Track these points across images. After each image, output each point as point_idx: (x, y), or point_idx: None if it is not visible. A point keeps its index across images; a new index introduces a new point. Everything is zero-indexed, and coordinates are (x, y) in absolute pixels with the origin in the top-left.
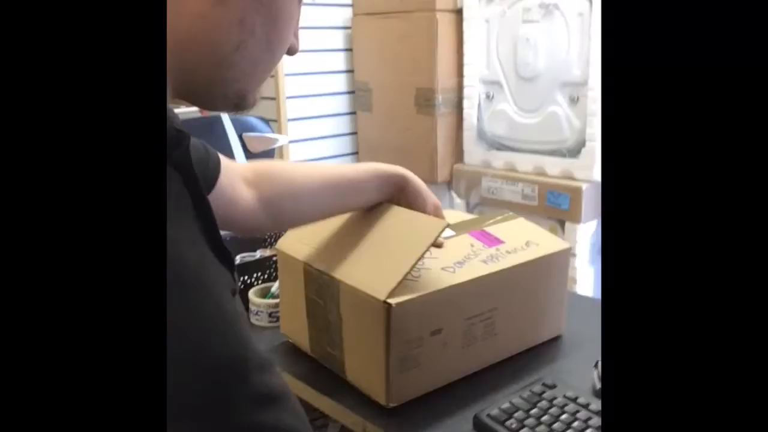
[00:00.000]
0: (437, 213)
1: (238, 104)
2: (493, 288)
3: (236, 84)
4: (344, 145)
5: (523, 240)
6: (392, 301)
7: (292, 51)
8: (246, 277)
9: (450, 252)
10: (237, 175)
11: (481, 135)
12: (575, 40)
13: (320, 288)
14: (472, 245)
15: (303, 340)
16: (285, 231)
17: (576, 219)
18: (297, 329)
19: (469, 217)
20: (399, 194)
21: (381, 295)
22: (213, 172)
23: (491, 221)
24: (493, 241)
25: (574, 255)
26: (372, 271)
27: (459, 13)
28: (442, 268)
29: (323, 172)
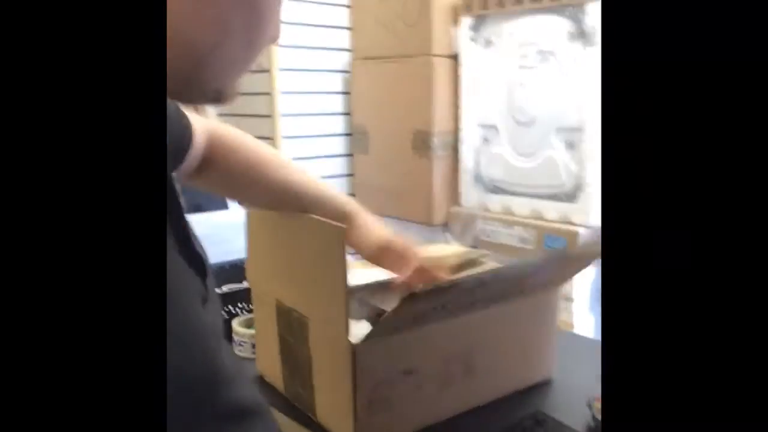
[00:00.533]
0: (384, 253)
1: (216, 99)
2: (475, 326)
3: (213, 82)
4: (341, 186)
5: None
6: (356, 339)
7: (272, 40)
8: (230, 307)
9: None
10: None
11: (478, 178)
12: (571, 85)
13: (290, 325)
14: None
15: (277, 380)
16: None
17: None
18: (271, 367)
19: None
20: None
21: (346, 333)
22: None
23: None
24: None
25: (571, 300)
26: (338, 304)
27: (455, 58)
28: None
29: (290, 176)
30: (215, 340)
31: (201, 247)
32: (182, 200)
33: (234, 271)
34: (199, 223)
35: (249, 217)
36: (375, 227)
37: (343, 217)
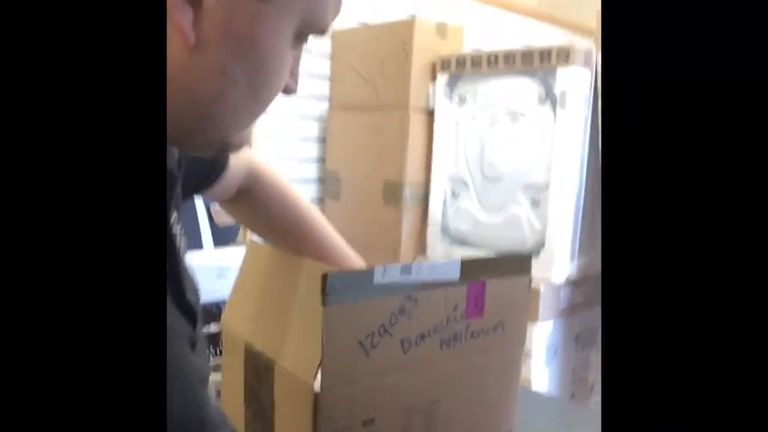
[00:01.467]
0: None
1: (222, 149)
2: (438, 379)
3: (218, 133)
4: None
5: (498, 317)
6: (318, 386)
7: (288, 91)
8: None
9: (430, 311)
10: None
11: (445, 230)
12: (539, 145)
13: (257, 369)
14: (455, 307)
15: (239, 426)
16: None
17: (533, 318)
18: (234, 414)
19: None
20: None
21: (309, 378)
22: (219, 168)
23: (504, 269)
24: (476, 309)
25: (529, 355)
26: (304, 347)
27: (431, 113)
28: (402, 340)
29: (314, 231)
30: (203, 387)
31: (194, 291)
32: (184, 239)
33: (203, 314)
34: None
35: (247, 251)
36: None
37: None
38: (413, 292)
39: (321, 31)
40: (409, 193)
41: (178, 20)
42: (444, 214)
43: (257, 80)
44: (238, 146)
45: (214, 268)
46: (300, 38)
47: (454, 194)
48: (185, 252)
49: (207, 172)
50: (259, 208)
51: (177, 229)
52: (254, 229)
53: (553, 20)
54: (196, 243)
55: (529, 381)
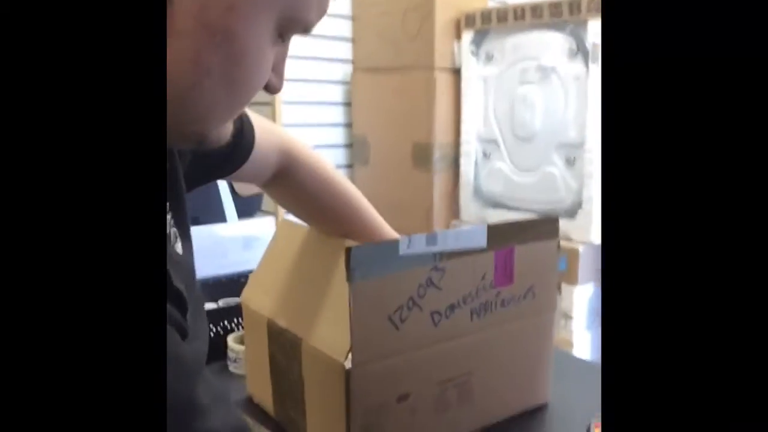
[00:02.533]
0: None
1: (199, 142)
2: (470, 350)
3: (193, 125)
4: None
5: (529, 283)
6: (350, 363)
7: (271, 89)
8: (226, 322)
9: (459, 281)
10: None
11: (478, 192)
12: (572, 102)
13: (283, 346)
14: (484, 276)
15: (267, 402)
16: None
17: (573, 281)
18: (261, 388)
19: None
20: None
21: (340, 356)
22: (244, 149)
23: (532, 234)
24: (505, 277)
25: (570, 318)
26: (335, 325)
27: (457, 72)
28: (432, 313)
29: (354, 211)
30: (193, 374)
31: (187, 278)
32: (174, 229)
33: (230, 285)
34: (198, 236)
35: (277, 229)
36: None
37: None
38: (440, 262)
39: (304, 29)
40: (439, 155)
41: None
42: (476, 176)
43: (234, 72)
44: (216, 141)
45: (239, 239)
46: (282, 35)
47: (486, 155)
48: (176, 242)
49: (228, 157)
50: (297, 190)
51: (168, 218)
52: (294, 212)
53: None
54: (219, 216)
55: (570, 345)
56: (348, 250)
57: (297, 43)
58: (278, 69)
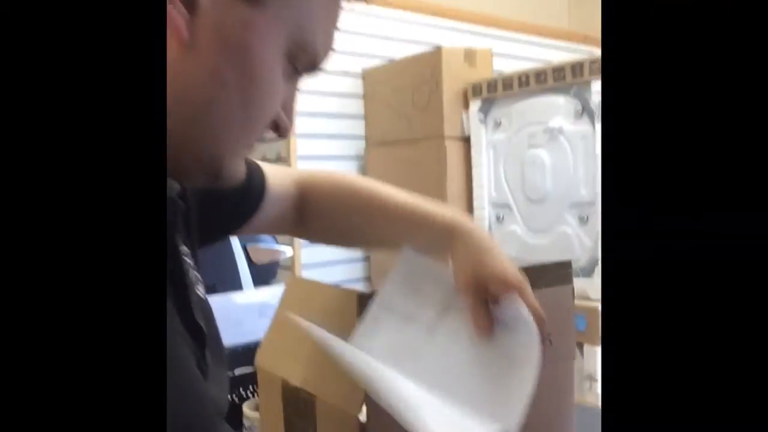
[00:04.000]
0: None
1: (214, 173)
2: None
3: (208, 147)
4: (356, 270)
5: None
6: (365, 416)
7: (282, 130)
8: (241, 390)
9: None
10: (286, 188)
11: None
12: (581, 161)
13: (297, 406)
14: None
15: None
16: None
17: (595, 341)
18: None
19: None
20: (450, 252)
21: (354, 409)
22: (255, 193)
23: (545, 279)
24: None
25: (595, 381)
26: (352, 382)
27: (467, 140)
28: None
29: (387, 209)
30: (213, 415)
31: (208, 319)
32: (195, 272)
33: (247, 353)
34: (214, 304)
35: (285, 287)
36: (483, 254)
37: (449, 237)
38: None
39: (312, 62)
40: None
41: (174, 17)
42: None
43: (249, 89)
44: (231, 176)
45: (255, 306)
46: (292, 63)
47: (499, 219)
48: (197, 283)
49: (241, 200)
50: (324, 213)
51: (188, 261)
52: (336, 241)
53: (585, 39)
54: (235, 284)
55: (596, 407)
56: (359, 298)
57: (312, 123)
58: (288, 108)
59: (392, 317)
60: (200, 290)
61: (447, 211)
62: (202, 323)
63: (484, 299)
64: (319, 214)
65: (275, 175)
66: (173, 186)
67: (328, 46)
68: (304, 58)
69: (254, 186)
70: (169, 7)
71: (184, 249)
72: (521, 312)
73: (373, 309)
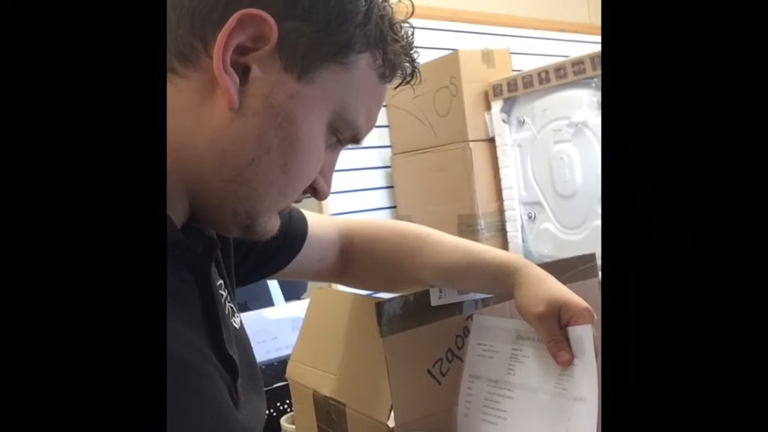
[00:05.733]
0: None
1: (249, 226)
2: None
3: (247, 202)
4: None
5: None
6: (393, 423)
7: (319, 194)
8: (279, 404)
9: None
10: (330, 237)
11: (528, 256)
12: None
13: (329, 416)
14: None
15: None
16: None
17: None
18: None
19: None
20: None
21: (383, 417)
22: (296, 236)
23: (571, 273)
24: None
25: None
26: (376, 385)
27: (491, 141)
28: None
29: (439, 254)
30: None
31: (242, 349)
32: (231, 304)
33: (281, 367)
34: (247, 321)
35: (311, 299)
36: (545, 284)
37: (507, 276)
38: (476, 309)
39: (354, 137)
40: (485, 224)
41: (226, 83)
42: (524, 240)
43: (290, 155)
44: (263, 230)
45: (287, 321)
46: (334, 133)
47: (531, 217)
48: (233, 315)
49: (282, 248)
50: (372, 259)
51: (224, 293)
52: (384, 286)
53: None
54: (267, 300)
55: None
56: (378, 305)
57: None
58: (327, 175)
59: (480, 384)
60: (236, 322)
61: (499, 251)
62: (235, 355)
63: (558, 327)
64: (366, 259)
65: (318, 222)
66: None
67: (370, 123)
68: (347, 132)
69: (295, 231)
70: (223, 74)
71: (221, 282)
72: (586, 341)
73: (465, 380)
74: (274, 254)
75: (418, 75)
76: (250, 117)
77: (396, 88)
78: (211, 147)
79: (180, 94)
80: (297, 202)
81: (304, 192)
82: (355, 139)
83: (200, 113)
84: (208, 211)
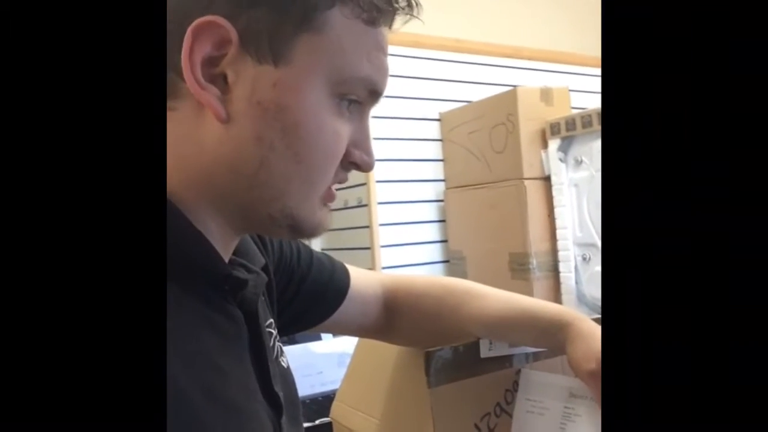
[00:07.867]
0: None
1: (293, 225)
2: None
3: (275, 203)
4: None
5: None
6: None
7: (361, 166)
8: None
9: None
10: (372, 290)
11: (581, 298)
12: None
13: None
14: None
15: None
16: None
17: None
18: None
19: None
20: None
21: None
22: (338, 288)
23: None
24: None
25: None
26: None
27: (547, 179)
28: None
29: (486, 307)
30: None
31: (287, 387)
32: (280, 343)
33: (326, 403)
34: (293, 354)
35: (358, 341)
36: (598, 339)
37: (558, 330)
38: (526, 363)
39: (370, 92)
40: (536, 263)
41: (207, 99)
42: (578, 282)
43: (296, 143)
44: (311, 227)
45: (334, 356)
46: (344, 98)
47: (585, 259)
48: (281, 354)
49: (323, 300)
50: (418, 313)
51: (272, 331)
52: (429, 342)
53: None
54: (314, 334)
55: None
56: (427, 354)
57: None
58: (362, 144)
59: None
60: (284, 361)
61: (549, 303)
62: (280, 392)
63: None
64: (410, 314)
65: (361, 276)
66: (258, 259)
67: (380, 71)
68: (358, 90)
69: (337, 283)
70: (200, 91)
71: (270, 321)
72: None
73: None
74: (313, 305)
75: (415, 5)
76: (242, 121)
77: (405, 24)
78: (218, 164)
79: (176, 127)
80: (341, 182)
81: (345, 169)
82: (375, 93)
83: (198, 137)
84: (249, 224)
